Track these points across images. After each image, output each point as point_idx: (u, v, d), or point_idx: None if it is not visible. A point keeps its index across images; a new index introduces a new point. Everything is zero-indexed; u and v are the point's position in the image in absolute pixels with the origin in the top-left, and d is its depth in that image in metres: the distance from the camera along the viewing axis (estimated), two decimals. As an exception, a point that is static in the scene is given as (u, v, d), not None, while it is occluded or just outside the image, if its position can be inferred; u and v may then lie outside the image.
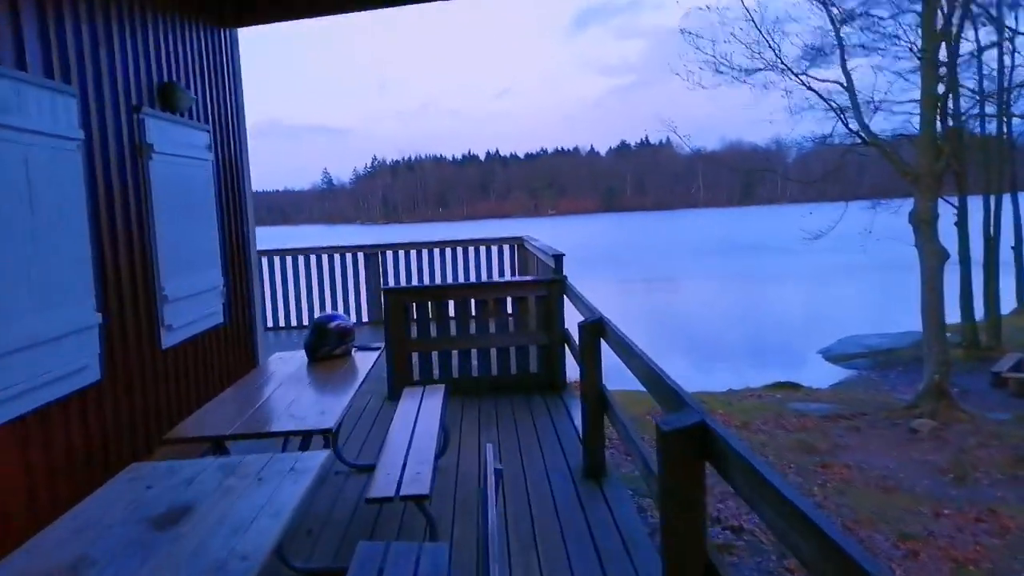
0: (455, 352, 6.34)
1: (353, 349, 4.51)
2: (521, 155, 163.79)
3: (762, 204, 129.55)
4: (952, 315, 23.09)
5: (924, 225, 10.03)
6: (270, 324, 9.74)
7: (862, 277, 36.70)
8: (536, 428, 5.34)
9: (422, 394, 4.62)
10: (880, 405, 12.05)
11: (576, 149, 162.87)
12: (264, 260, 9.66)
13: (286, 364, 4.38)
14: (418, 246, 10.04)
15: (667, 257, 50.28)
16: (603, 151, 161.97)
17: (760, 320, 26.76)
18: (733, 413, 10.64)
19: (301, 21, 6.00)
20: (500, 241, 10.16)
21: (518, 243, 10.09)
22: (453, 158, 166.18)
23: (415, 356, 6.31)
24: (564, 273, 6.33)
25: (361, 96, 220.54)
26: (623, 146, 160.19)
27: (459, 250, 10.04)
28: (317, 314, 9.71)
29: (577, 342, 4.48)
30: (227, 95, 5.77)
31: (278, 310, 9.73)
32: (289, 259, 9.72)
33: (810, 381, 15.91)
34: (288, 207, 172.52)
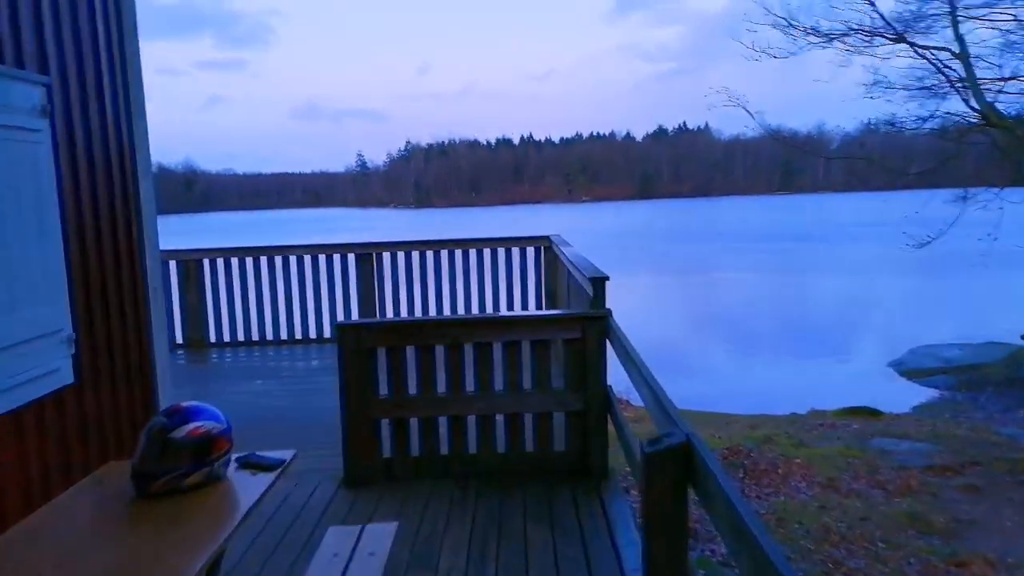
0: (443, 419, 4.31)
1: (230, 466, 2.51)
2: (556, 140, 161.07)
3: (803, 192, 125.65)
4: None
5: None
6: (226, 338, 7.86)
7: (918, 274, 34.00)
8: (556, 551, 3.33)
9: (356, 541, 2.61)
10: (989, 447, 9.80)
11: (612, 134, 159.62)
12: (234, 261, 7.78)
13: (87, 506, 2.38)
14: (421, 246, 8.04)
15: (709, 246, 47.63)
16: (639, 136, 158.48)
17: (814, 321, 24.33)
18: (813, 462, 8.50)
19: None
20: (522, 242, 8.10)
21: (544, 245, 8.03)
22: (487, 142, 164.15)
23: (385, 424, 4.30)
24: (607, 304, 4.28)
25: (400, 79, 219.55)
26: (660, 131, 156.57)
27: (471, 253, 8.00)
28: (292, 333, 7.80)
29: (638, 463, 2.48)
30: (95, 25, 3.77)
31: (236, 323, 7.84)
32: (264, 260, 7.79)
33: (887, 403, 13.64)
34: (322, 190, 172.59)
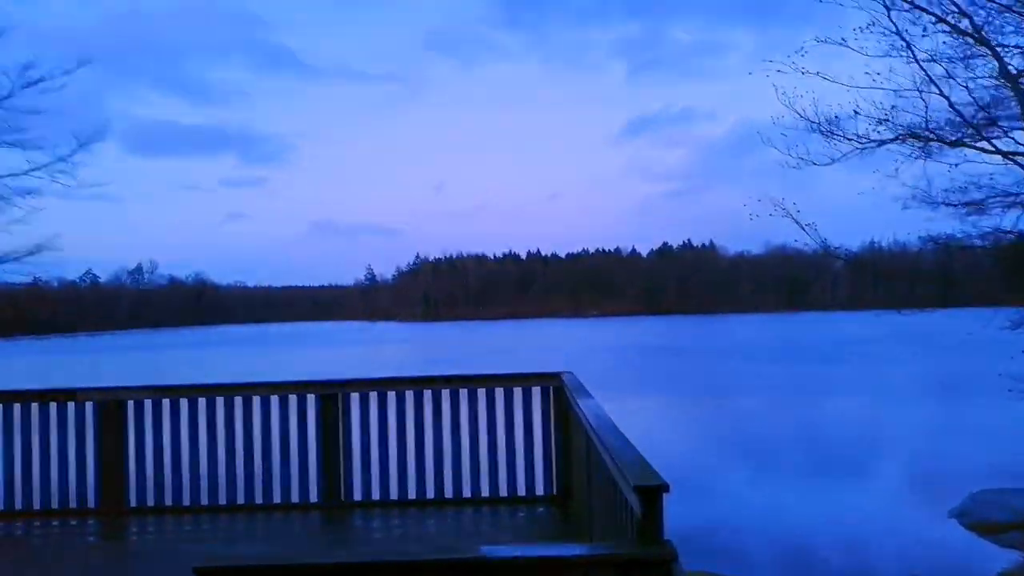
0: None
1: None
2: (562, 255, 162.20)
3: (810, 310, 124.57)
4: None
5: None
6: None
7: (939, 399, 32.02)
8: None
9: None
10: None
11: (618, 250, 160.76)
12: (165, 403, 6.13)
13: None
14: (401, 384, 6.35)
15: (724, 365, 45.75)
16: (645, 252, 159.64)
17: (853, 457, 22.18)
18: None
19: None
20: (524, 380, 6.39)
21: (554, 385, 6.29)
22: (495, 256, 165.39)
23: None
24: (663, 515, 2.57)
25: (416, 197, 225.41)
26: (665, 248, 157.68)
27: (462, 394, 6.31)
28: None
29: None
30: None
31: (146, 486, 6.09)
32: (184, 404, 6.13)
33: (957, 569, 11.55)
34: (332, 302, 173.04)
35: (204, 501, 6.07)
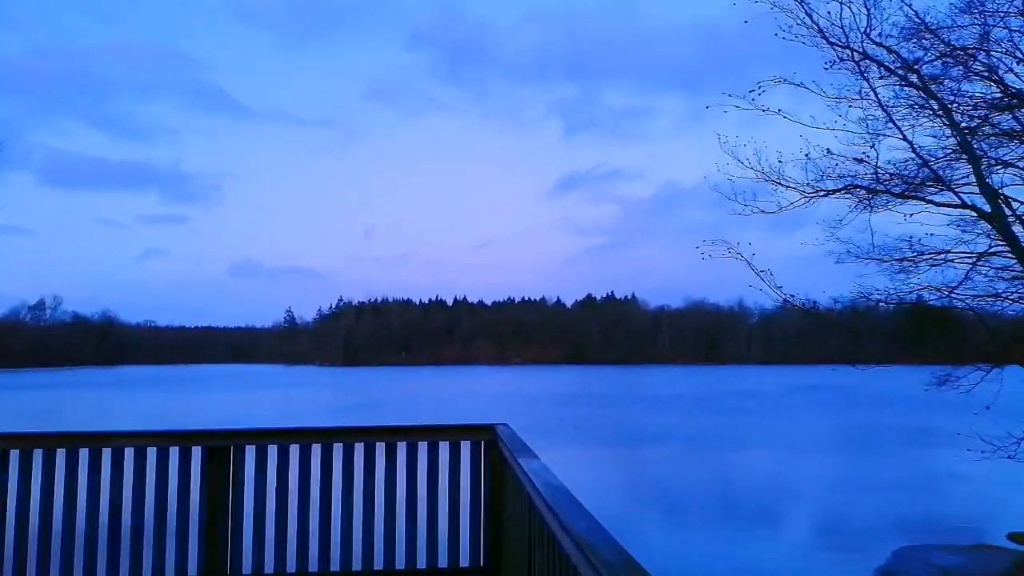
0: None
1: None
2: (488, 303, 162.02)
3: (726, 363, 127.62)
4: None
5: None
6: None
7: (847, 453, 32.68)
8: None
9: None
10: None
11: (543, 299, 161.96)
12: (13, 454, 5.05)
13: None
14: (306, 436, 5.45)
15: (645, 415, 45.60)
16: (569, 303, 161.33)
17: (766, 507, 21.99)
18: None
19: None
20: (454, 432, 5.58)
21: (487, 438, 5.53)
22: (420, 302, 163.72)
23: None
24: None
25: (345, 242, 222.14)
26: (589, 299, 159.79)
27: (379, 449, 5.46)
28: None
29: None
30: None
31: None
32: (39, 456, 5.06)
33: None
34: (248, 345, 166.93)
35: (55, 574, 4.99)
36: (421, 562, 5.27)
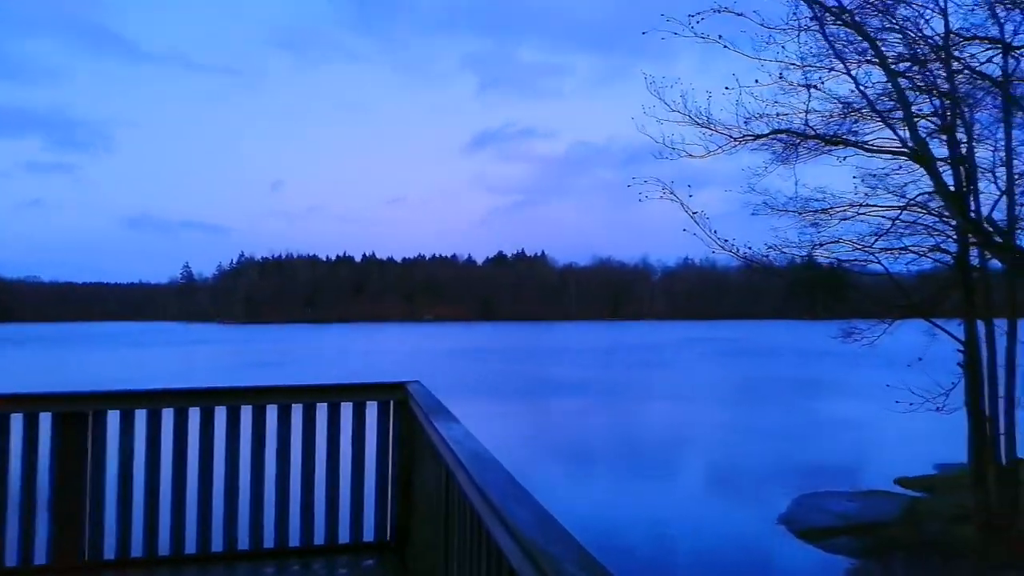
0: None
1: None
2: (398, 259, 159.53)
3: (631, 319, 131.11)
4: (914, 461, 19.94)
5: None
6: None
7: (746, 404, 34.02)
8: None
9: None
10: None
11: (454, 256, 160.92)
12: None
13: None
14: (182, 399, 4.66)
15: (554, 369, 45.98)
16: (480, 260, 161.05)
17: (675, 458, 22.44)
18: None
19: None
20: (359, 391, 4.91)
21: (398, 398, 4.88)
22: (327, 258, 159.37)
23: None
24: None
25: (249, 195, 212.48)
26: (500, 257, 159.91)
27: (270, 412, 4.75)
28: None
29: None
30: None
31: None
32: None
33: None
34: (142, 302, 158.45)
35: None
36: (319, 538, 4.65)
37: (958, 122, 10.33)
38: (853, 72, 8.94)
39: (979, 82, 10.79)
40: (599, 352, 63.79)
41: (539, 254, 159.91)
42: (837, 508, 15.65)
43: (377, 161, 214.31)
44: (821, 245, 12.82)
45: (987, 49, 11.49)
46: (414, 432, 4.38)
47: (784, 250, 12.27)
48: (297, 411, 4.74)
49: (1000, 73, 11.74)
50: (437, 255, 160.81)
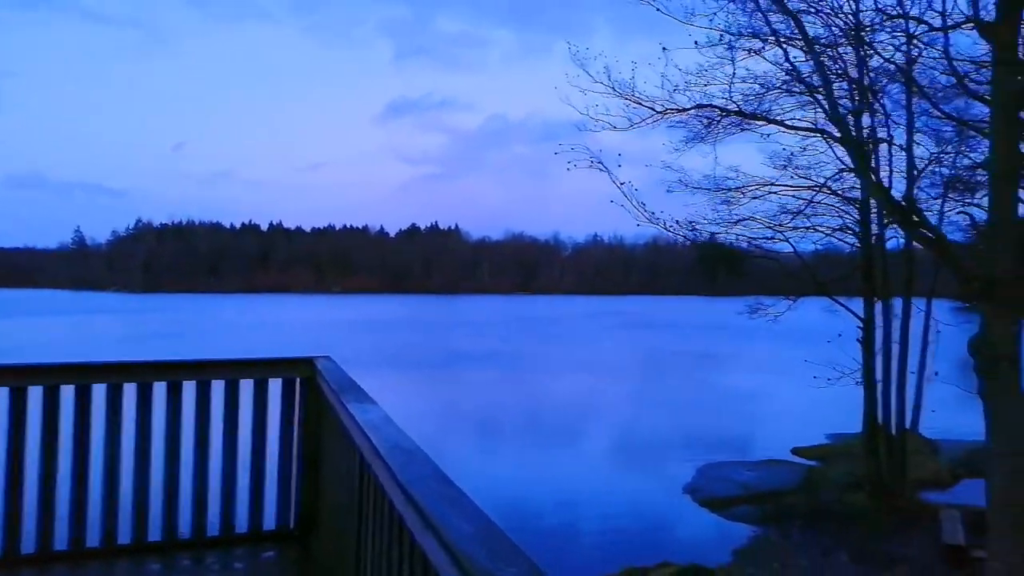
0: None
1: None
2: (307, 228, 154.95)
3: (541, 293, 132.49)
4: (809, 432, 20.83)
5: (1006, 364, 6.17)
6: None
7: (643, 379, 34.99)
8: None
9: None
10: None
11: (366, 227, 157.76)
12: None
13: None
14: (55, 375, 4.09)
15: (465, 341, 45.80)
16: (392, 232, 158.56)
17: (582, 430, 22.74)
18: None
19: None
20: (262, 367, 4.48)
21: (305, 375, 4.47)
22: (232, 226, 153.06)
23: None
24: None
25: (149, 157, 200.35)
26: (413, 229, 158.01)
27: (158, 390, 4.26)
28: None
29: None
30: None
31: None
32: None
33: (706, 552, 11.65)
34: (28, 267, 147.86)
35: None
36: (213, 528, 4.23)
37: (870, 105, 10.60)
38: (775, 50, 9.04)
39: (887, 67, 11.09)
40: (510, 325, 64.06)
41: (453, 227, 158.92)
42: (738, 477, 16.20)
43: (288, 127, 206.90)
44: (734, 223, 13.05)
45: (894, 36, 11.86)
46: (322, 412, 4.02)
47: (697, 227, 12.38)
48: (190, 389, 4.28)
49: (904, 60, 12.16)
50: (348, 226, 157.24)
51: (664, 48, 9.17)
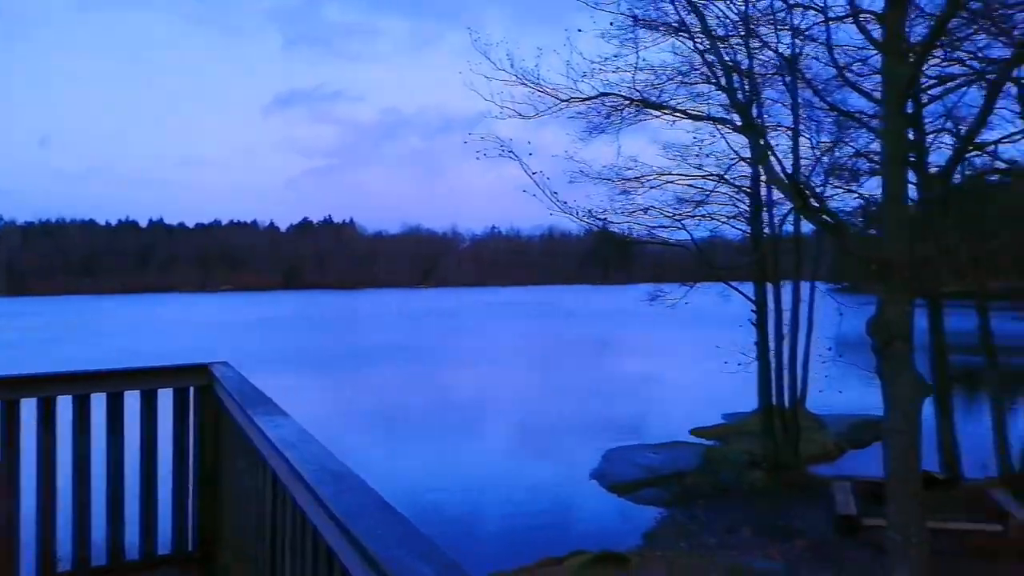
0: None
1: None
2: (191, 225, 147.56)
3: (440, 286, 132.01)
4: (706, 413, 21.52)
5: (900, 343, 6.40)
6: None
7: (540, 367, 35.39)
8: None
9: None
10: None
11: (255, 222, 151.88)
12: None
13: None
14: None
15: (366, 338, 44.78)
16: (284, 227, 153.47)
17: (484, 418, 22.68)
18: None
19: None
20: (151, 376, 4.02)
21: (200, 384, 4.05)
22: (107, 223, 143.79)
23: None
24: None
25: (11, 150, 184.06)
26: (305, 223, 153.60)
27: (27, 408, 3.74)
28: None
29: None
30: None
31: None
32: None
33: (616, 536, 11.77)
34: None
35: None
36: (99, 558, 3.78)
37: (758, 96, 10.94)
38: (674, 40, 9.15)
39: (775, 59, 11.49)
40: (410, 318, 63.31)
41: (347, 221, 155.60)
42: (643, 461, 16.53)
43: (169, 120, 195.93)
44: (632, 213, 13.25)
45: (779, 31, 12.33)
46: (222, 425, 3.64)
47: (603, 216, 12.47)
48: (65, 404, 3.79)
49: (790, 52, 12.65)
50: (236, 221, 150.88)
51: (569, 31, 9.12)
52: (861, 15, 8.11)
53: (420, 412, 24.02)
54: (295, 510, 2.01)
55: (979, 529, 10.28)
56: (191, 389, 3.98)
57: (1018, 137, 12.57)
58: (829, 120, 13.89)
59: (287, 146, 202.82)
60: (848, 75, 9.90)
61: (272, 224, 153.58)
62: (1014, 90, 11.69)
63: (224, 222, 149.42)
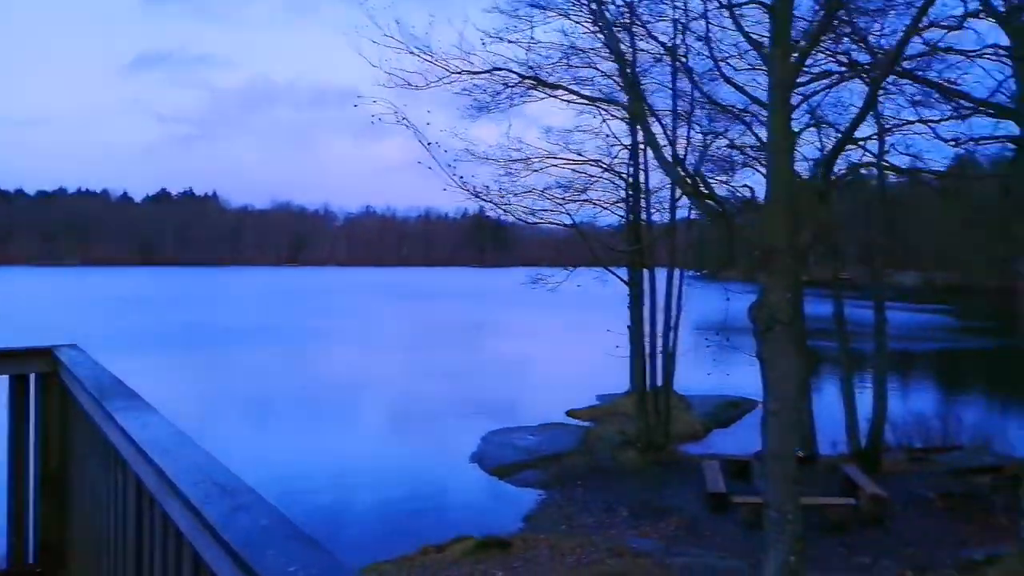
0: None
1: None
2: (31, 192, 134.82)
3: (312, 265, 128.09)
4: (580, 395, 21.90)
5: (779, 327, 6.60)
6: None
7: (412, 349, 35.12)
8: None
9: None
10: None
11: (105, 191, 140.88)
12: None
13: None
14: None
15: (226, 317, 42.46)
16: (138, 198, 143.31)
17: (359, 402, 22.11)
18: None
19: None
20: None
21: (41, 371, 3.45)
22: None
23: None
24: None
25: None
26: (163, 194, 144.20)
27: None
28: None
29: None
30: None
31: None
32: None
33: (498, 521, 11.67)
34: None
35: None
36: None
37: (638, 86, 11.07)
38: (564, 22, 9.06)
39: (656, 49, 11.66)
40: (279, 298, 60.85)
41: (210, 193, 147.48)
42: (521, 443, 16.59)
43: (6, 75, 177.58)
44: (518, 195, 13.14)
45: (661, 21, 12.55)
46: (70, 419, 3.12)
47: (490, 196, 12.28)
48: None
49: (671, 42, 12.90)
50: (85, 189, 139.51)
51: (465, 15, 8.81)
52: (743, 6, 8.31)
53: (288, 397, 23.03)
54: (171, 527, 1.65)
55: (835, 503, 10.99)
56: (31, 376, 3.41)
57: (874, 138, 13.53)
58: (703, 112, 14.31)
59: (145, 110, 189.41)
60: (725, 69, 10.18)
61: (126, 194, 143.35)
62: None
63: (71, 190, 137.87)
